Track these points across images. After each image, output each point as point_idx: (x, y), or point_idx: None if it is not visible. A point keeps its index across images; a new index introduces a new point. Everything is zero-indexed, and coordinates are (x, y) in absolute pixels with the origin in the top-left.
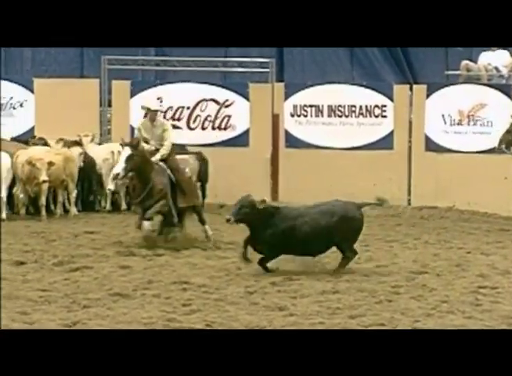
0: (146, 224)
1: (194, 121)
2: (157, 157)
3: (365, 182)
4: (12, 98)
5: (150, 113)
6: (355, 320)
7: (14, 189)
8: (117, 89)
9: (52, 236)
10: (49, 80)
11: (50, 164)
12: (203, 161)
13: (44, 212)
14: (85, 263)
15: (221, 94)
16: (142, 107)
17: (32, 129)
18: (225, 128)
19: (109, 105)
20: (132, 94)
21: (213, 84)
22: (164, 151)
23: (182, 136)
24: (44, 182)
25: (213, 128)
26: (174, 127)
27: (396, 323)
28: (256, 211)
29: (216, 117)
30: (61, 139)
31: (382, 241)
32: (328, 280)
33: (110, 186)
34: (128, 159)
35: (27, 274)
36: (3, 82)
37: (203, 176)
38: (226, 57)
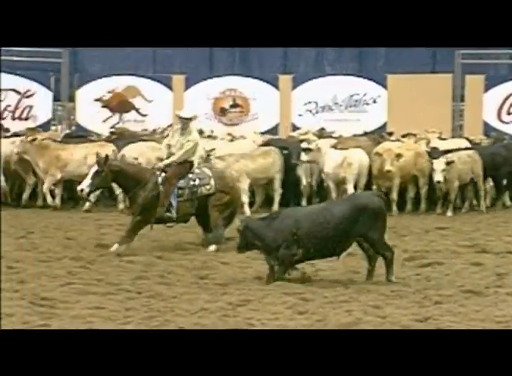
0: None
1: None
2: (160, 164)
3: None
4: (365, 94)
5: (181, 121)
6: None
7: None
8: (471, 84)
9: (403, 232)
10: (402, 76)
11: (398, 156)
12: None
13: (395, 207)
14: (436, 259)
15: None
16: (176, 115)
17: (384, 125)
18: None
19: (462, 100)
20: (486, 88)
21: None
22: (169, 160)
23: None
24: (388, 172)
25: None
26: None
27: None
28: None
29: None
30: (408, 134)
31: None
32: None
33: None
34: (95, 175)
35: (379, 268)
36: (358, 79)
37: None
38: None
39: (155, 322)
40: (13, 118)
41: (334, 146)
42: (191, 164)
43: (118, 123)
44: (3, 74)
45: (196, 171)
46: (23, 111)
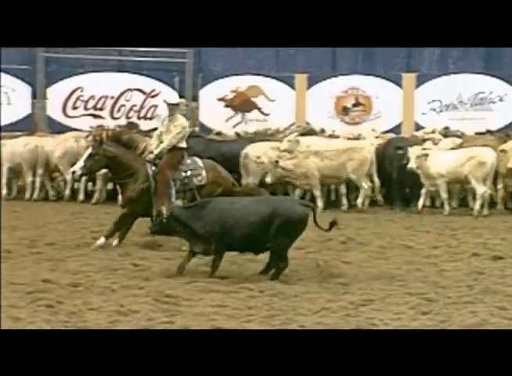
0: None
1: None
2: (150, 155)
3: None
4: (491, 92)
5: (168, 107)
6: None
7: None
8: None
9: None
10: None
11: None
12: None
13: None
14: None
15: None
16: (164, 101)
17: (511, 124)
18: None
19: None
20: None
21: None
22: (158, 149)
23: None
24: (510, 169)
25: None
26: None
27: None
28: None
29: None
30: None
31: None
32: None
33: None
34: (88, 158)
35: (504, 269)
36: (484, 77)
37: None
38: None
39: (276, 321)
40: (139, 118)
41: (460, 145)
42: (182, 154)
43: (241, 122)
44: (129, 75)
45: (187, 161)
46: (148, 111)
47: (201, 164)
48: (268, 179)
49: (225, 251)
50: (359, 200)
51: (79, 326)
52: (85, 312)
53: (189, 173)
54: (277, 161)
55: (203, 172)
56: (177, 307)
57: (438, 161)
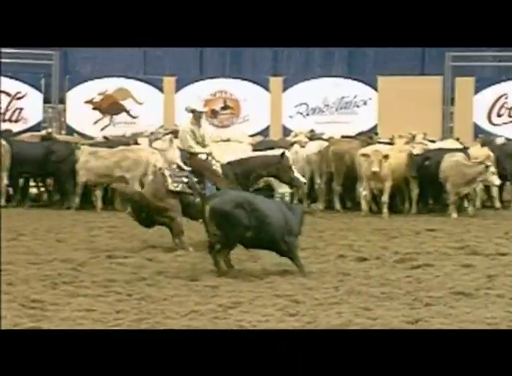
0: None
1: None
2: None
3: None
4: (356, 96)
5: (196, 115)
6: None
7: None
8: (461, 86)
9: (393, 233)
10: (392, 78)
11: (385, 157)
12: None
13: (386, 209)
14: (427, 261)
15: None
16: (187, 109)
17: (375, 127)
18: None
19: (452, 102)
20: (476, 91)
21: None
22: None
23: None
24: (374, 173)
25: None
26: None
27: None
28: None
29: None
30: (401, 136)
31: None
32: None
33: None
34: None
35: (369, 270)
36: (348, 81)
37: None
38: None
39: (145, 324)
40: (3, 120)
41: (327, 148)
42: None
43: (109, 125)
44: None
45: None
46: (13, 113)
47: None
48: None
49: None
50: None
51: None
52: None
53: None
54: None
55: None
56: (43, 312)
57: None
